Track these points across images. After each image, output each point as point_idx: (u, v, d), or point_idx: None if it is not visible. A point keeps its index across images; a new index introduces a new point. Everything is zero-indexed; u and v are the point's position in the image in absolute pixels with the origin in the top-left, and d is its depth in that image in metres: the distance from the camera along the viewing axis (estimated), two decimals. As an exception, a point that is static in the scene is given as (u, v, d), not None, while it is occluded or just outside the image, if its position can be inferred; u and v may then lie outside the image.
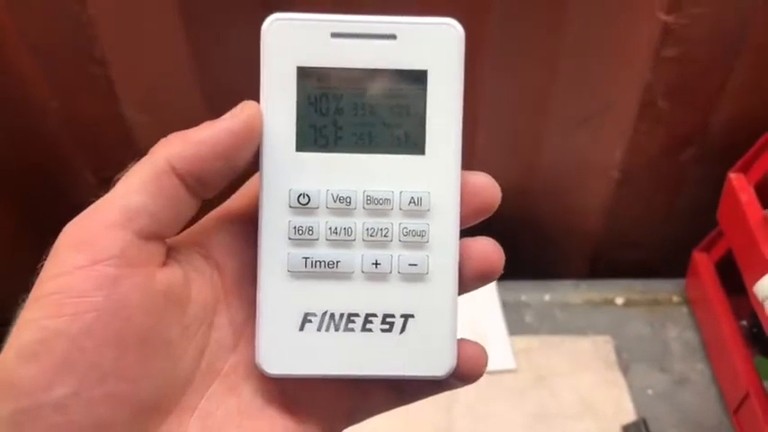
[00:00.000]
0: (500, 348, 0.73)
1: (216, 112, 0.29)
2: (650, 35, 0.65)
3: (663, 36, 0.64)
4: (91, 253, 0.26)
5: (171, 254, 0.29)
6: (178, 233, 0.30)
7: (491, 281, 0.31)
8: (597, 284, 0.80)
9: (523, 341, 0.74)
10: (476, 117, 0.72)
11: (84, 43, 0.65)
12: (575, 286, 0.80)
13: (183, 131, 0.29)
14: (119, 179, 0.28)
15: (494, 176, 0.31)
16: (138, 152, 0.28)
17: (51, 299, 0.26)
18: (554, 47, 0.67)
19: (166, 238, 0.29)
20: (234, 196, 0.33)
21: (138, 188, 0.27)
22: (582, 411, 0.69)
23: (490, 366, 0.32)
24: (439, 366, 0.31)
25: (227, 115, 0.29)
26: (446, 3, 0.64)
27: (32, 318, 0.26)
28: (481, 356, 0.31)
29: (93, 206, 0.28)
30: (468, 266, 0.31)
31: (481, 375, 0.31)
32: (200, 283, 0.30)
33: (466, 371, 0.31)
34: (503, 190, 0.31)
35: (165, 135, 0.29)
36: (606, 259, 0.85)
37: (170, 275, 0.29)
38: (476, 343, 0.32)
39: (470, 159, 0.73)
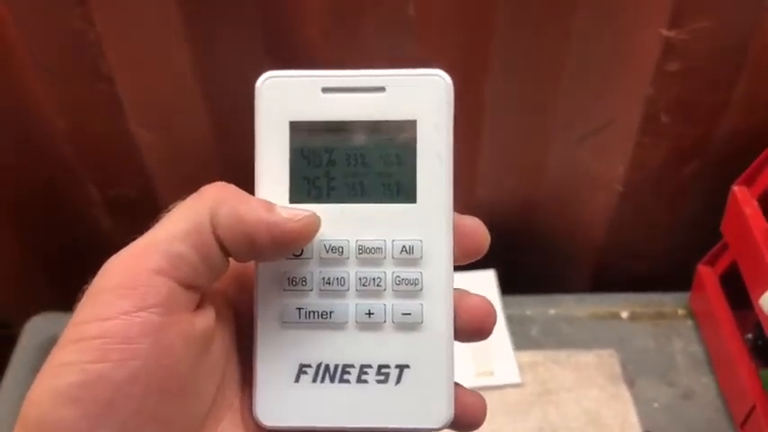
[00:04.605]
0: (505, 363, 0.72)
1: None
2: (652, 50, 0.65)
3: (665, 51, 0.65)
4: (136, 299, 0.26)
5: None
6: None
7: (483, 337, 0.31)
8: (602, 298, 0.80)
9: (528, 355, 0.74)
10: (480, 132, 0.72)
11: (91, 61, 0.66)
12: (579, 300, 0.80)
13: (238, 195, 0.29)
14: (161, 217, 0.28)
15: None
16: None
17: (94, 343, 0.26)
18: (557, 62, 0.67)
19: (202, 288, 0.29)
20: None
21: (182, 237, 0.27)
22: (587, 426, 0.69)
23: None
24: (436, 418, 0.30)
25: (286, 214, 0.29)
26: (450, 20, 0.65)
27: (74, 360, 0.26)
28: (480, 406, 0.31)
29: (135, 247, 0.28)
30: (458, 323, 0.31)
31: (480, 425, 0.31)
32: (222, 321, 0.30)
33: (464, 421, 0.31)
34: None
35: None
36: (610, 272, 0.85)
37: (205, 320, 0.29)
38: (474, 392, 0.31)
39: (474, 175, 0.74)
